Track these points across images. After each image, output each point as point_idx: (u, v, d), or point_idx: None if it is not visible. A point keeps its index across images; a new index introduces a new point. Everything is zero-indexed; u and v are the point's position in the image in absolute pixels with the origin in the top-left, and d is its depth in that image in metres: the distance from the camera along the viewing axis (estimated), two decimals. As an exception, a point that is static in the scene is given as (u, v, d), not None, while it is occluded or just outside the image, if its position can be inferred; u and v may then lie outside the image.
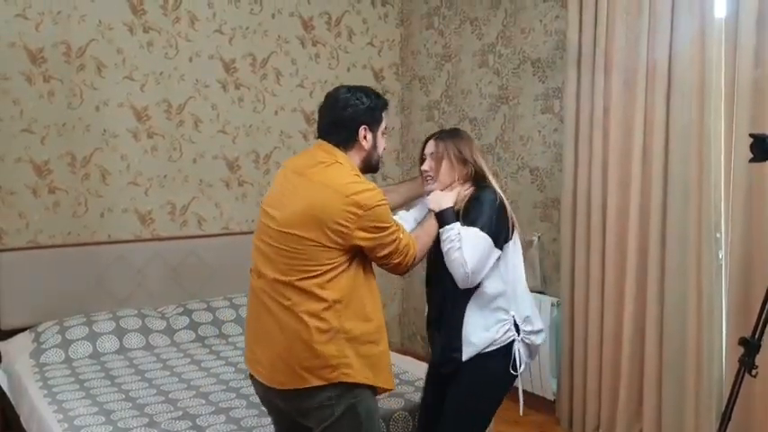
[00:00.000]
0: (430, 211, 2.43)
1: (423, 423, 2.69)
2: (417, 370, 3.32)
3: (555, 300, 3.99)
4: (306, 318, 2.10)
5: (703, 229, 3.23)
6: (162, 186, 4.32)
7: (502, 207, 2.41)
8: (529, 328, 2.48)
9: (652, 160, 3.41)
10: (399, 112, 5.29)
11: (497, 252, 2.39)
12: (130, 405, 2.98)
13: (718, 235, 3.23)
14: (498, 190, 2.45)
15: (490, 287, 2.41)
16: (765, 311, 2.57)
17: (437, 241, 2.38)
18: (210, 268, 4.38)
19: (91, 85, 4.05)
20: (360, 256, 2.18)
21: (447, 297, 2.45)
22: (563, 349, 3.95)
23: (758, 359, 2.59)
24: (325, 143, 2.24)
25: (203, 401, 3.02)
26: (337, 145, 2.22)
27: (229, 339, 3.95)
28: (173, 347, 3.82)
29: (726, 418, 2.64)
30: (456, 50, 4.78)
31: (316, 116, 4.80)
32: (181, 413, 2.89)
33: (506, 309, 2.44)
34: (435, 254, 2.41)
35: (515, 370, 2.44)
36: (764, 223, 2.97)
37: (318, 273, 2.10)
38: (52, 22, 3.92)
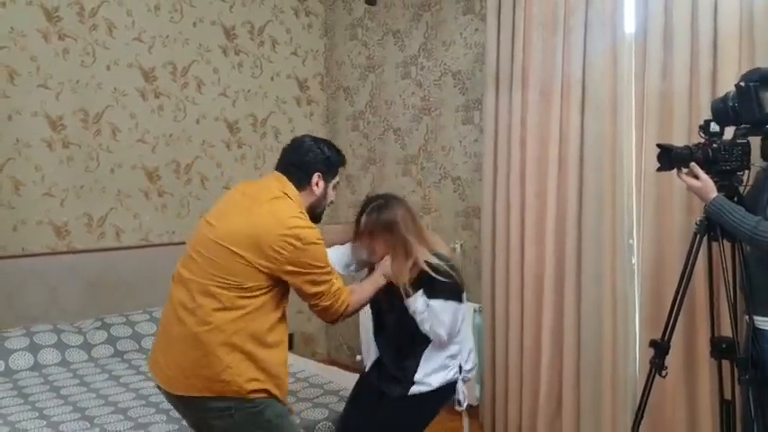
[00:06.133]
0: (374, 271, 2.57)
1: None
2: (343, 380, 3.32)
3: (477, 306, 4.05)
4: (210, 324, 2.15)
5: (617, 236, 3.35)
6: (78, 197, 4.19)
7: (454, 268, 2.58)
8: (469, 366, 2.69)
9: (567, 170, 3.52)
10: (325, 122, 5.30)
11: (463, 308, 2.60)
12: (44, 423, 2.87)
13: (630, 241, 3.36)
14: (444, 253, 2.61)
15: None
16: (674, 315, 2.69)
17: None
18: (129, 281, 4.28)
19: (2, 94, 3.90)
20: (282, 291, 2.25)
21: (403, 344, 2.62)
22: (485, 355, 4.01)
23: (668, 360, 2.71)
24: (281, 175, 2.35)
25: (122, 417, 2.94)
26: (292, 182, 2.33)
27: (149, 353, 3.85)
28: (90, 363, 3.70)
29: (638, 416, 2.74)
30: (379, 62, 4.82)
31: (239, 125, 4.86)
32: (98, 430, 2.80)
33: (457, 354, 2.63)
34: (389, 300, 2.57)
35: (459, 405, 2.67)
36: (673, 230, 3.10)
37: (235, 286, 2.16)
38: (-41, 27, 3.77)
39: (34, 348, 3.66)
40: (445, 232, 4.38)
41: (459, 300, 2.58)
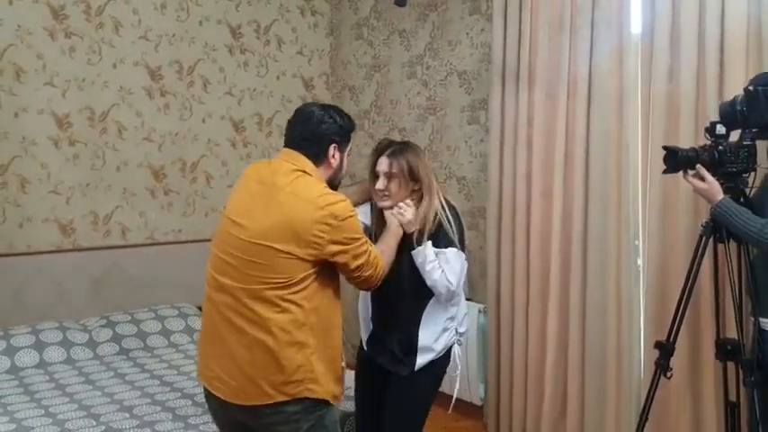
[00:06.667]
0: (387, 225, 2.48)
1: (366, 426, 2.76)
2: (350, 379, 3.31)
3: (482, 306, 4.06)
4: (272, 330, 2.07)
5: (622, 237, 3.34)
6: (84, 195, 4.20)
7: (459, 219, 2.53)
8: (463, 329, 2.64)
9: (573, 170, 3.51)
10: (329, 121, 5.30)
11: (466, 262, 2.55)
12: (50, 421, 2.89)
13: (636, 242, 3.35)
14: (453, 202, 2.57)
15: None
16: (679, 316, 2.69)
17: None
18: (135, 279, 4.29)
19: (9, 91, 3.92)
20: (327, 269, 2.16)
21: (401, 304, 2.55)
22: (490, 355, 4.02)
23: (672, 362, 2.71)
24: (293, 152, 2.22)
25: (127, 415, 2.95)
26: (307, 158, 2.21)
27: (155, 352, 3.87)
28: (95, 361, 3.71)
29: (643, 417, 2.75)
30: (385, 61, 4.82)
31: (245, 124, 4.85)
32: (104, 428, 2.82)
33: (455, 316, 2.58)
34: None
35: (455, 370, 2.61)
36: (679, 231, 3.09)
37: (286, 283, 2.07)
38: (-33, 25, 3.79)
39: (40, 346, 3.67)
40: (450, 232, 4.37)
41: (464, 252, 2.53)
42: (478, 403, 4.11)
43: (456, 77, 4.32)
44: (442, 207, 2.49)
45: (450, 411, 2.70)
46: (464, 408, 4.10)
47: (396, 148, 2.53)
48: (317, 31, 5.22)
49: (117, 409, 3.02)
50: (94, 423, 2.87)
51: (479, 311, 4.05)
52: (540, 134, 3.65)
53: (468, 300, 4.11)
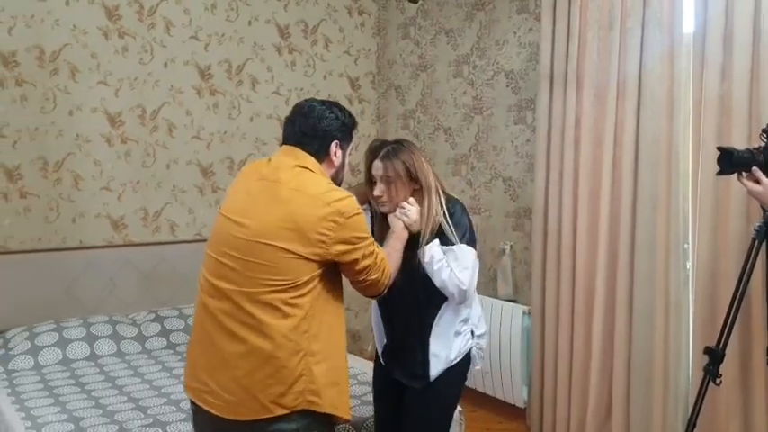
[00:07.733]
0: (391, 229, 2.37)
1: None
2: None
3: (526, 308, 4.02)
4: (274, 337, 1.93)
5: (671, 240, 3.29)
6: (135, 192, 4.30)
7: (466, 214, 2.44)
8: (480, 331, 2.53)
9: (622, 172, 3.46)
10: (375, 120, 5.32)
11: (478, 259, 2.43)
12: (100, 412, 2.96)
13: (685, 246, 3.30)
14: (456, 197, 2.48)
15: None
16: (730, 322, 2.63)
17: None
18: (183, 275, 4.35)
19: (64, 90, 4.02)
20: (331, 273, 2.04)
21: (412, 313, 2.46)
22: (534, 357, 3.98)
23: (722, 368, 2.65)
24: (295, 148, 2.10)
25: (174, 409, 3.01)
26: (308, 154, 2.11)
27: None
28: (144, 354, 3.79)
29: (691, 425, 2.70)
30: (431, 61, 4.82)
31: (291, 124, 4.86)
32: (151, 420, 2.87)
33: (468, 318, 2.48)
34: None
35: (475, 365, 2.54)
36: (730, 235, 3.03)
37: (290, 285, 1.94)
38: (25, 26, 3.89)
39: (91, 339, 3.77)
40: (495, 233, 4.36)
41: (475, 248, 2.39)
42: (522, 405, 4.08)
43: (503, 77, 4.30)
44: (440, 205, 2.37)
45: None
46: (507, 410, 4.08)
47: (389, 149, 2.40)
48: (364, 30, 5.24)
49: (164, 402, 3.08)
50: (142, 415, 2.93)
51: (524, 313, 4.02)
52: (588, 135, 3.61)
53: (512, 301, 4.12)
